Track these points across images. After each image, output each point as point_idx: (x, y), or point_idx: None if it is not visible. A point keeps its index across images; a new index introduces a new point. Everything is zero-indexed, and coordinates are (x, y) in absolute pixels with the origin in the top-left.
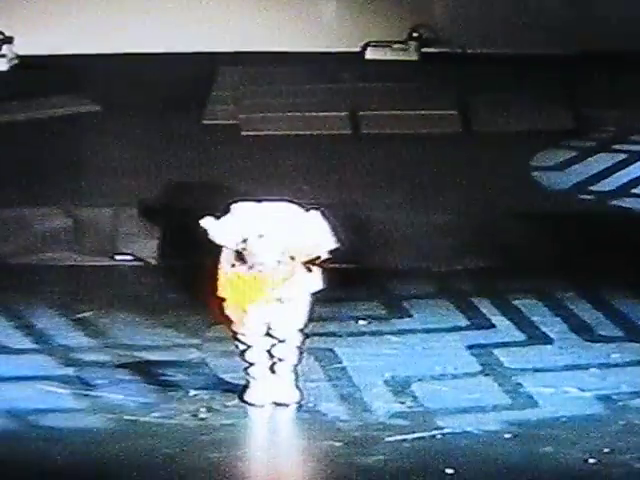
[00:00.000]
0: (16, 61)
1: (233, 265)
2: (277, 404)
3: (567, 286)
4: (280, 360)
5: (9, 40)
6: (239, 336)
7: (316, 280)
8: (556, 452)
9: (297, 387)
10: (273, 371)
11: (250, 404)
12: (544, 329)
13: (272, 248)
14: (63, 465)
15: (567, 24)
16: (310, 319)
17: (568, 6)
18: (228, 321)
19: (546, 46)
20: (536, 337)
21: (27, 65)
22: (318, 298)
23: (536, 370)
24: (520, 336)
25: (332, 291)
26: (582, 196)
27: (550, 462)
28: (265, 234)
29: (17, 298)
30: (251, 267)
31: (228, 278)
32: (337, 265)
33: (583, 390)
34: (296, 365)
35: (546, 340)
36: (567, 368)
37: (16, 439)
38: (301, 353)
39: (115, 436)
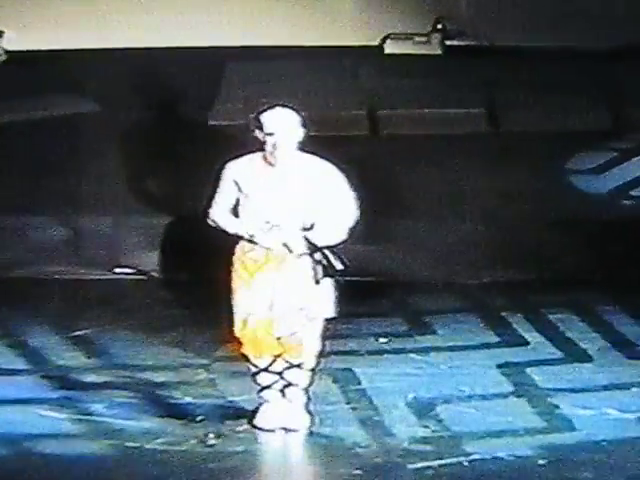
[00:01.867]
0: (4, 57)
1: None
2: (287, 430)
3: (606, 299)
4: (291, 384)
5: None
6: (251, 358)
7: (329, 307)
8: (595, 479)
9: (308, 412)
10: (284, 395)
11: (261, 429)
12: (582, 346)
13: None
14: None
15: (609, 13)
16: (327, 337)
17: None
18: (239, 343)
19: (584, 38)
20: (573, 354)
21: (17, 61)
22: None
23: (573, 390)
24: (555, 353)
25: (350, 306)
26: (621, 201)
27: None
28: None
29: (10, 313)
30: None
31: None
32: (355, 278)
33: (624, 411)
34: (307, 388)
35: (584, 358)
36: (607, 388)
37: (9, 467)
38: (314, 376)
39: (116, 464)
